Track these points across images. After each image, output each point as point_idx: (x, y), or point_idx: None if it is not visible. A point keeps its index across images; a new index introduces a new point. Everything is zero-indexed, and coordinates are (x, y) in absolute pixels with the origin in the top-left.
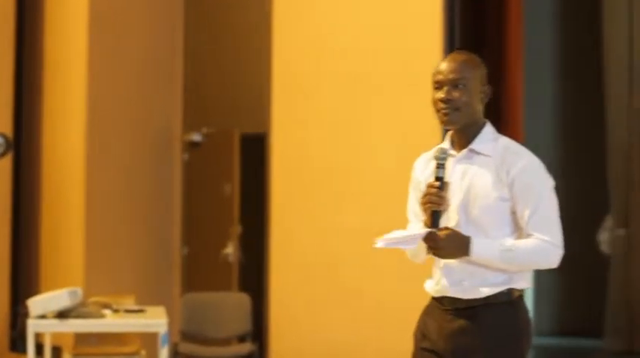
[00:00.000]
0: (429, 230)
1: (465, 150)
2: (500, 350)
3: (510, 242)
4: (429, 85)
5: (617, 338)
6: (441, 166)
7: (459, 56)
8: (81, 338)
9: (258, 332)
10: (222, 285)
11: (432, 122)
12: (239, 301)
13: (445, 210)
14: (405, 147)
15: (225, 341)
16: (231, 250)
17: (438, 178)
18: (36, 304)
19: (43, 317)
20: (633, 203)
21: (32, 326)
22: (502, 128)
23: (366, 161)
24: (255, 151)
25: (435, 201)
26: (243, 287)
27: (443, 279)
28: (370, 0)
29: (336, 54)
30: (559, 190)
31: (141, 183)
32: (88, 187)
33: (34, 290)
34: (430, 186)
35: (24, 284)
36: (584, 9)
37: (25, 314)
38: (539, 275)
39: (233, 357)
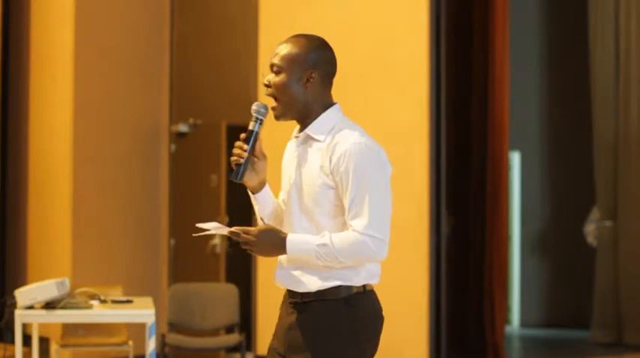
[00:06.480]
0: (236, 229)
1: (302, 134)
2: (325, 349)
3: (327, 236)
4: (412, 77)
5: (605, 330)
6: (257, 121)
7: (288, 39)
8: (69, 329)
9: (245, 322)
10: (210, 276)
11: (415, 114)
12: (226, 292)
13: (249, 162)
14: (388, 138)
15: (213, 332)
16: (218, 241)
17: (249, 131)
18: (23, 294)
19: (30, 307)
20: (619, 195)
21: (20, 316)
22: (489, 120)
23: None
24: None
25: (237, 154)
26: (231, 278)
27: (277, 270)
28: None
29: None
30: (546, 182)
31: (128, 173)
32: (75, 178)
33: (21, 281)
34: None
35: (11, 274)
36: (570, 2)
37: (13, 305)
38: (526, 267)
39: (220, 348)
